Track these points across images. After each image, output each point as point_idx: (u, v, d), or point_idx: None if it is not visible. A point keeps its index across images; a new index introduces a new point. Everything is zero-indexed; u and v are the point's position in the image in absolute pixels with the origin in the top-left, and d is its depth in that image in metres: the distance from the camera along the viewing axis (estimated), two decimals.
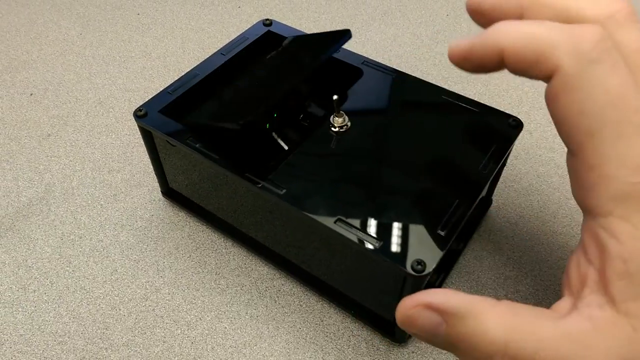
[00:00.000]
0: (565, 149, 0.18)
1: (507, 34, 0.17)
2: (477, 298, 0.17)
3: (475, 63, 0.18)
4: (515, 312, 0.17)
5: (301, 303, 0.26)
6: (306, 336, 0.25)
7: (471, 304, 0.17)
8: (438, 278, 0.26)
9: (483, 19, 0.20)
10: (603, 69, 0.16)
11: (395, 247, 0.20)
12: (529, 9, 0.19)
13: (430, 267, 0.19)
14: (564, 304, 0.18)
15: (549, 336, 0.16)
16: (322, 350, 0.25)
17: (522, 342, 0.16)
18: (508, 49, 0.17)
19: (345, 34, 0.26)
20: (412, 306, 0.18)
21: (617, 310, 0.16)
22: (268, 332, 0.25)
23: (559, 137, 0.18)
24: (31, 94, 0.37)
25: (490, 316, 0.17)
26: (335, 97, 0.24)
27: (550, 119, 0.20)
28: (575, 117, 0.16)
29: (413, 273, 0.19)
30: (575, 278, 0.18)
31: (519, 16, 0.19)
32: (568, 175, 0.18)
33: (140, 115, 0.25)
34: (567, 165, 0.18)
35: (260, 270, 0.27)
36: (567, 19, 0.18)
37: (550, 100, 0.17)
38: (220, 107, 0.26)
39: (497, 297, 0.26)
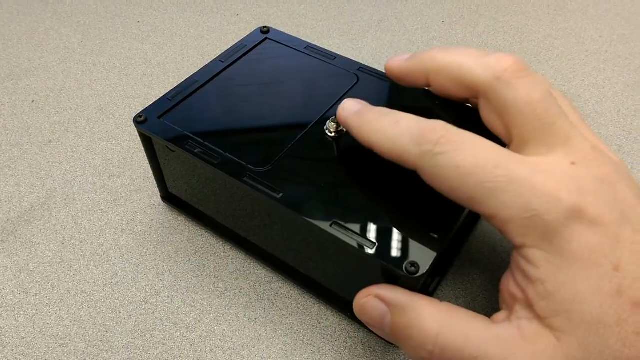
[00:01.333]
0: None
1: (373, 135, 0.21)
2: (420, 296, 0.20)
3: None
4: (451, 311, 0.20)
5: (299, 305, 0.27)
6: (304, 338, 0.25)
7: (413, 299, 0.20)
8: (433, 281, 0.27)
9: (399, 81, 0.24)
10: (446, 156, 0.19)
11: (389, 250, 0.20)
12: (432, 73, 0.22)
13: (423, 268, 0.20)
14: (500, 315, 0.20)
15: (477, 335, 0.19)
16: (319, 352, 0.25)
17: (452, 335, 0.19)
18: (380, 152, 0.21)
19: (354, 81, 0.28)
20: (365, 296, 0.21)
21: (542, 325, 0.18)
22: (266, 334, 0.26)
23: None
24: (33, 101, 0.38)
25: (427, 310, 0.19)
26: (331, 102, 0.24)
27: None
28: (450, 193, 0.19)
29: (407, 274, 0.20)
30: (507, 296, 0.20)
31: (426, 80, 0.23)
32: None
33: (140, 121, 0.26)
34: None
35: (259, 273, 0.28)
36: (462, 82, 0.21)
37: (429, 185, 0.20)
38: (232, 132, 0.26)
39: (489, 302, 0.27)
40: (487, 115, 0.21)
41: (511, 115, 0.20)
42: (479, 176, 0.18)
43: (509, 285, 0.20)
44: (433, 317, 0.19)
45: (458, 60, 0.21)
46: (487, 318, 0.20)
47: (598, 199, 0.18)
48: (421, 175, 0.20)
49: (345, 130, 0.25)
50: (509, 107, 0.20)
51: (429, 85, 0.23)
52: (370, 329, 0.22)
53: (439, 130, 0.19)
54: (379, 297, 0.21)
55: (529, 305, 0.19)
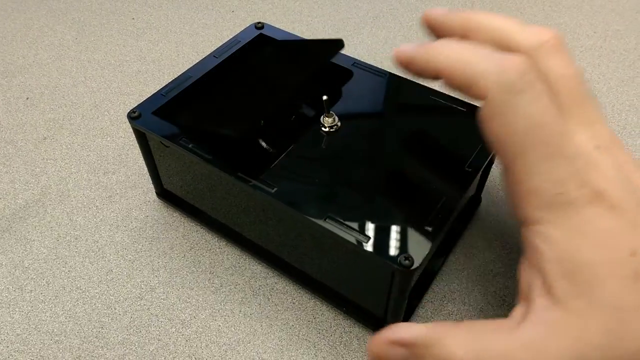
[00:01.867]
0: None
1: (446, 58, 0.20)
2: (437, 325, 0.19)
3: (416, 72, 0.21)
4: (474, 331, 0.19)
5: (294, 301, 0.27)
6: (299, 333, 0.25)
7: (433, 332, 0.19)
8: (428, 276, 0.27)
9: (433, 32, 0.23)
10: (526, 98, 0.17)
11: (383, 243, 0.21)
12: (472, 31, 0.21)
13: (417, 261, 0.20)
14: (519, 310, 0.19)
15: (507, 349, 0.18)
16: (314, 346, 0.25)
17: (480, 354, 0.18)
18: (444, 72, 0.19)
19: (338, 44, 0.26)
20: (378, 345, 0.19)
21: (565, 310, 0.18)
22: (261, 329, 0.26)
23: None
24: (27, 98, 0.38)
25: (452, 340, 0.18)
26: (325, 97, 0.24)
27: None
28: (503, 139, 0.18)
29: (401, 268, 0.20)
30: (524, 285, 0.19)
31: (463, 35, 0.21)
32: None
33: (134, 116, 0.26)
34: (503, 179, 0.20)
35: (254, 269, 0.28)
36: (503, 44, 0.20)
37: (482, 123, 0.19)
38: (215, 112, 0.26)
39: (484, 296, 0.27)
40: None
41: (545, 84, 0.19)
42: (543, 135, 0.18)
43: (526, 273, 0.19)
44: (459, 346, 0.18)
45: (505, 24, 0.21)
46: (507, 321, 0.19)
47: (618, 185, 0.18)
48: (485, 107, 0.18)
49: (339, 125, 0.25)
50: (546, 75, 0.19)
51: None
52: None
53: (523, 66, 0.18)
54: (396, 343, 0.19)
55: (548, 289, 0.18)
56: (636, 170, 0.19)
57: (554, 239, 0.18)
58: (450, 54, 0.20)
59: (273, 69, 0.28)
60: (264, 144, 0.25)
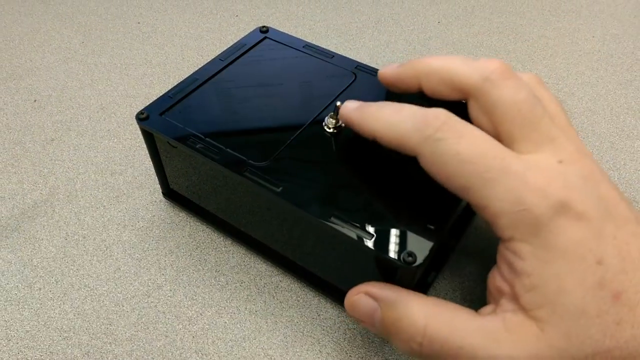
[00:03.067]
0: None
1: (376, 122, 0.22)
2: (408, 291, 0.21)
3: (356, 132, 0.23)
4: (438, 304, 0.20)
5: (298, 298, 0.27)
6: (303, 330, 0.26)
7: (401, 294, 0.21)
8: (429, 275, 0.27)
9: (393, 88, 0.24)
10: (449, 142, 0.19)
11: (387, 241, 0.21)
12: (423, 78, 0.23)
13: (420, 258, 0.20)
14: (487, 308, 0.21)
15: (463, 327, 0.19)
16: (319, 343, 0.25)
17: (439, 327, 0.20)
18: (377, 135, 0.21)
19: (352, 78, 0.28)
20: (355, 293, 0.22)
21: (526, 316, 0.19)
22: (267, 326, 0.26)
23: None
24: (35, 101, 0.39)
25: (415, 304, 0.20)
26: (338, 103, 0.24)
27: None
28: (447, 181, 0.20)
29: (404, 264, 0.20)
30: (494, 290, 0.21)
31: (419, 84, 0.23)
32: None
33: (142, 118, 0.26)
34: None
35: (259, 267, 0.28)
36: (453, 85, 0.22)
37: (428, 173, 0.21)
38: (232, 130, 0.27)
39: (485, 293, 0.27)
40: (476, 115, 0.22)
41: (498, 114, 0.21)
42: (477, 165, 0.19)
43: (496, 280, 0.21)
44: (421, 311, 0.20)
45: (448, 64, 0.22)
46: (473, 311, 0.20)
47: (584, 195, 0.19)
48: (421, 161, 0.20)
49: (343, 125, 0.26)
50: (496, 106, 0.21)
51: (420, 89, 0.24)
52: (362, 325, 0.23)
53: (441, 117, 0.20)
54: (369, 294, 0.22)
55: (515, 298, 0.19)
56: (603, 180, 0.20)
57: (523, 255, 0.19)
58: (380, 118, 0.21)
59: (287, 86, 0.28)
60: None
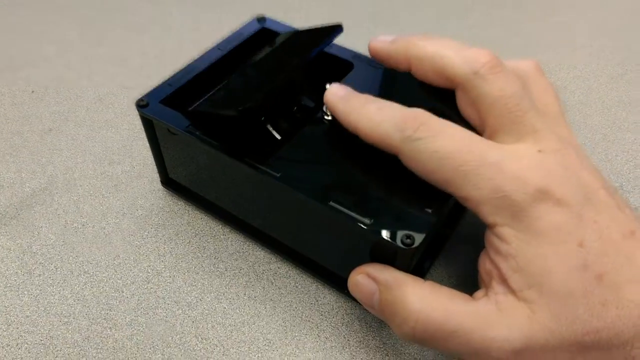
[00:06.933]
0: None
1: (358, 117, 0.22)
2: (406, 275, 0.21)
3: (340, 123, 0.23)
4: (434, 289, 0.21)
5: (297, 284, 0.27)
6: (302, 315, 0.26)
7: (399, 277, 0.21)
8: (425, 261, 0.28)
9: (381, 62, 0.25)
10: (427, 141, 0.20)
11: (385, 224, 0.21)
12: (414, 61, 0.24)
13: (418, 240, 0.21)
14: (479, 293, 0.21)
15: (457, 311, 0.20)
16: (317, 327, 0.26)
17: (433, 311, 0.20)
18: (359, 132, 0.22)
19: (337, 28, 0.27)
20: (358, 273, 0.23)
21: (517, 298, 0.19)
22: (265, 311, 0.26)
23: None
24: (32, 91, 0.39)
25: (411, 288, 0.21)
26: (327, 86, 0.25)
27: None
28: (429, 177, 0.21)
29: (402, 246, 0.21)
30: (484, 274, 0.21)
31: (408, 65, 0.24)
32: None
33: (142, 105, 0.27)
34: None
35: (257, 254, 0.29)
36: (442, 73, 0.22)
37: (409, 169, 0.21)
38: (218, 97, 0.27)
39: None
40: (464, 106, 0.23)
41: (485, 107, 0.21)
42: (454, 160, 0.20)
43: (485, 264, 0.21)
44: (416, 295, 0.21)
45: (440, 52, 0.23)
46: (467, 296, 0.21)
47: (563, 182, 0.19)
48: (402, 159, 0.21)
49: None
50: (484, 100, 0.21)
51: (410, 70, 0.24)
52: (362, 305, 0.23)
53: (420, 118, 0.21)
54: (369, 275, 0.22)
55: (504, 281, 0.20)
56: (584, 168, 0.20)
57: (507, 238, 0.20)
58: (362, 115, 0.22)
59: (273, 56, 0.28)
60: (272, 129, 0.25)
